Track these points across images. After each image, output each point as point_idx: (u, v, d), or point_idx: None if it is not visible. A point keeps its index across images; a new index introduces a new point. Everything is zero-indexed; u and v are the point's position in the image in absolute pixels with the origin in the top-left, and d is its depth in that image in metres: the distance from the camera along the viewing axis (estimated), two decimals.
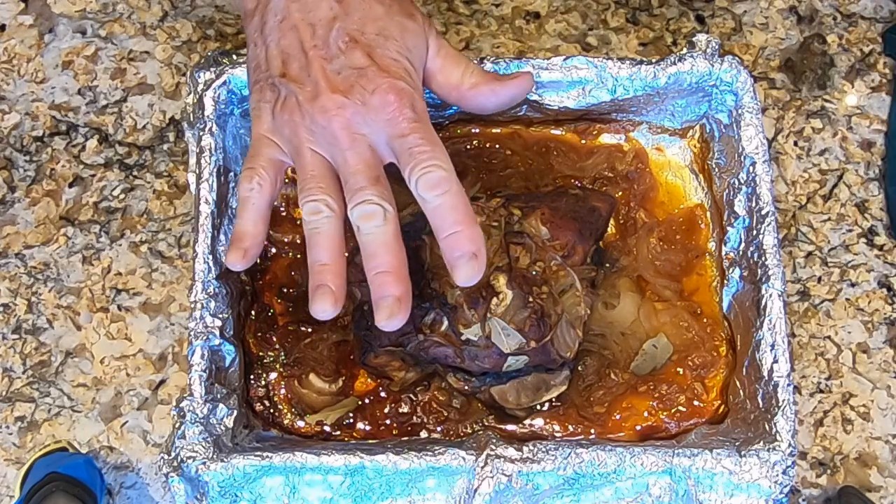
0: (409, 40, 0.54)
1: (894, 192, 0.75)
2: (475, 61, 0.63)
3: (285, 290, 0.66)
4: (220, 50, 0.66)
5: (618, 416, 0.63)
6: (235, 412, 0.60)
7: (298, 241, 0.67)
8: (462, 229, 0.49)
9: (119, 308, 0.73)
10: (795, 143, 0.77)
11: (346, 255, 0.53)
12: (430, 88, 0.57)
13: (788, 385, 0.59)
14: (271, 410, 0.64)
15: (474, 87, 0.56)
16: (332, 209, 0.51)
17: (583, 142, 0.70)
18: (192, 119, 0.64)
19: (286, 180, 0.67)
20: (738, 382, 0.63)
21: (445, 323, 0.59)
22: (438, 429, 0.64)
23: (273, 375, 0.65)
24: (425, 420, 0.64)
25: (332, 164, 0.52)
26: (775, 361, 0.60)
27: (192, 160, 0.64)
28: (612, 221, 0.68)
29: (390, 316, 0.49)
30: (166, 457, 0.58)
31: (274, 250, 0.67)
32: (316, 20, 0.53)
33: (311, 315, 0.65)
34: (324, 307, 0.50)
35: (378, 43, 0.53)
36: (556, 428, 0.64)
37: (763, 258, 0.62)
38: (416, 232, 0.61)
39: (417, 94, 0.52)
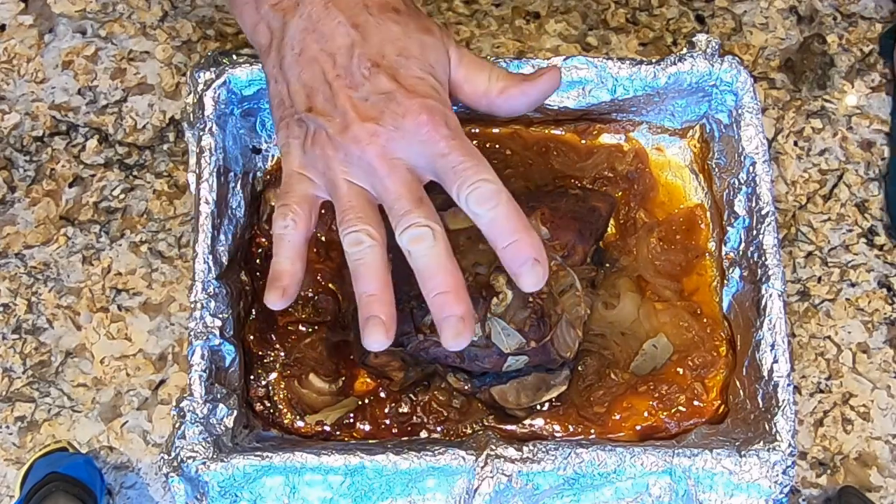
0: (431, 56, 0.53)
1: (894, 192, 0.75)
2: None
3: None
4: (220, 50, 0.66)
5: (618, 416, 0.63)
6: (235, 412, 0.60)
7: None
8: (520, 237, 0.49)
9: (119, 308, 0.73)
10: (795, 143, 0.77)
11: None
12: (459, 100, 0.56)
13: (788, 385, 0.59)
14: (271, 410, 0.64)
15: (503, 91, 0.55)
16: (373, 238, 0.51)
17: (583, 142, 0.70)
18: (192, 119, 0.64)
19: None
20: (738, 382, 0.63)
21: None
22: (438, 429, 0.64)
23: (273, 375, 0.65)
24: (425, 420, 0.64)
25: (372, 192, 0.52)
26: (775, 361, 0.60)
27: (192, 160, 0.64)
28: (612, 221, 0.68)
29: (456, 335, 0.49)
30: (166, 457, 0.58)
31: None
32: (335, 49, 0.52)
33: (310, 315, 0.66)
34: (376, 338, 0.50)
35: (400, 64, 0.52)
36: (556, 428, 0.64)
37: (763, 258, 0.62)
38: None
39: (448, 110, 0.52)
